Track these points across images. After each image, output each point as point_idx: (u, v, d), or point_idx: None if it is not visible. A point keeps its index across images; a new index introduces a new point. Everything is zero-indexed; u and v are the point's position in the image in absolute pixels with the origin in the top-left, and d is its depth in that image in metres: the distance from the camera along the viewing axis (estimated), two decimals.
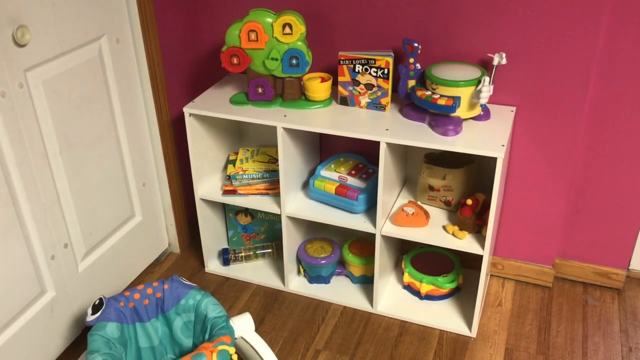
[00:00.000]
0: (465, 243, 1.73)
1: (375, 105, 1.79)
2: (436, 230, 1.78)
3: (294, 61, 1.74)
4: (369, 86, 1.76)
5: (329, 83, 1.81)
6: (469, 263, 2.06)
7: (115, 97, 1.83)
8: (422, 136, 1.64)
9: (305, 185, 2.00)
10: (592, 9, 1.59)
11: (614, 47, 1.66)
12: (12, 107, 1.47)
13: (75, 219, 1.76)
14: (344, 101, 1.82)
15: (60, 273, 1.73)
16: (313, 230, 2.16)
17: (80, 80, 1.68)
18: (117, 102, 1.84)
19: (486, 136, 1.64)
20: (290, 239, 1.98)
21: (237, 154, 2.08)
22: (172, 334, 1.67)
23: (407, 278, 1.98)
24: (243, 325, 1.58)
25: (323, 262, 1.99)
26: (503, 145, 1.58)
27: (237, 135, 2.16)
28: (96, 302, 1.59)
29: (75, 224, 1.77)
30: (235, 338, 1.55)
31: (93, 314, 1.56)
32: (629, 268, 2.05)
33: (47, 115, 1.59)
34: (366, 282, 2.04)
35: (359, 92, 1.78)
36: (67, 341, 1.81)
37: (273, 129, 1.78)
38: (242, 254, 2.16)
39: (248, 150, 2.07)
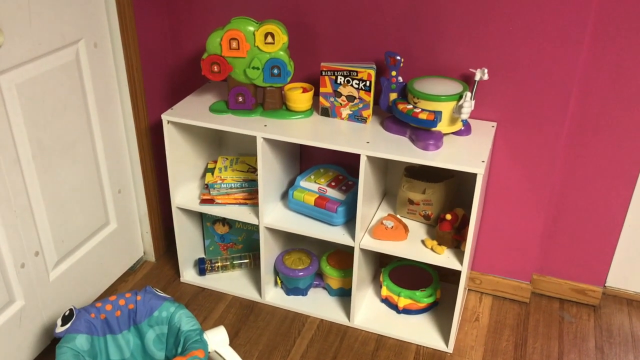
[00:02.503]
0: (444, 258, 1.72)
1: (357, 117, 1.77)
2: (415, 245, 1.77)
3: (275, 71, 1.73)
4: (350, 98, 1.75)
5: (310, 94, 1.79)
6: (447, 277, 2.06)
7: (92, 102, 1.79)
8: (402, 150, 1.63)
9: (285, 196, 1.98)
10: (575, 27, 1.60)
11: (595, 64, 1.67)
12: None
13: (47, 226, 1.72)
14: (325, 112, 1.81)
15: (30, 282, 1.68)
16: (291, 241, 2.14)
17: (56, 84, 1.64)
18: (94, 108, 1.81)
19: (466, 151, 1.63)
20: (268, 250, 1.95)
21: (215, 162, 2.05)
22: (144, 346, 1.63)
23: (385, 291, 1.96)
24: (217, 338, 1.55)
25: (301, 274, 1.97)
26: (483, 161, 1.57)
27: (216, 143, 2.13)
28: (66, 313, 1.55)
29: (47, 231, 1.72)
30: (209, 352, 1.52)
31: (63, 325, 1.52)
32: (605, 285, 2.06)
33: (20, 119, 1.55)
34: (344, 295, 2.02)
35: (341, 104, 1.77)
36: (35, 352, 1.75)
37: (253, 138, 1.76)
38: (219, 263, 2.13)
39: (227, 159, 2.04)
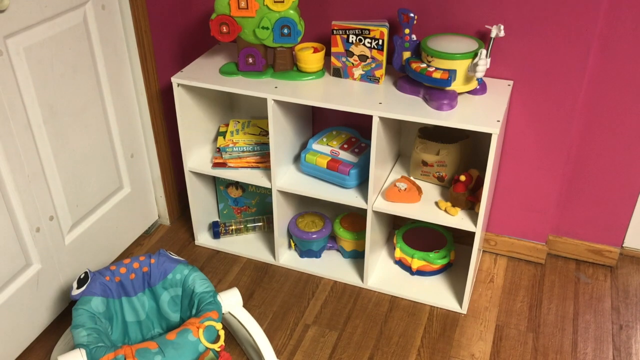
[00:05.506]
0: (458, 220, 1.70)
1: (369, 77, 1.74)
2: (428, 207, 1.76)
3: (285, 30, 1.69)
4: (362, 57, 1.71)
5: (321, 54, 1.76)
6: (462, 239, 2.05)
7: (102, 65, 1.78)
8: (416, 110, 1.60)
9: (297, 159, 1.96)
10: None
11: (615, 20, 1.61)
12: None
13: (60, 190, 1.72)
14: (337, 73, 1.77)
15: (46, 245, 1.70)
16: (304, 204, 2.13)
17: (64, 47, 1.62)
18: (104, 71, 1.79)
19: (482, 111, 1.60)
20: (281, 213, 1.95)
21: (227, 125, 2.03)
22: (159, 308, 1.65)
23: (398, 253, 1.96)
24: (231, 300, 1.56)
25: (314, 236, 1.97)
26: (498, 121, 1.54)
27: (227, 106, 2.11)
28: (81, 276, 1.56)
29: (61, 196, 1.73)
30: (223, 313, 1.54)
31: (78, 287, 1.54)
32: (623, 245, 2.03)
33: (30, 83, 1.54)
34: (357, 257, 2.02)
35: (353, 64, 1.73)
36: (53, 314, 1.79)
37: (264, 101, 1.73)
38: (233, 227, 2.13)
39: (239, 122, 2.02)
